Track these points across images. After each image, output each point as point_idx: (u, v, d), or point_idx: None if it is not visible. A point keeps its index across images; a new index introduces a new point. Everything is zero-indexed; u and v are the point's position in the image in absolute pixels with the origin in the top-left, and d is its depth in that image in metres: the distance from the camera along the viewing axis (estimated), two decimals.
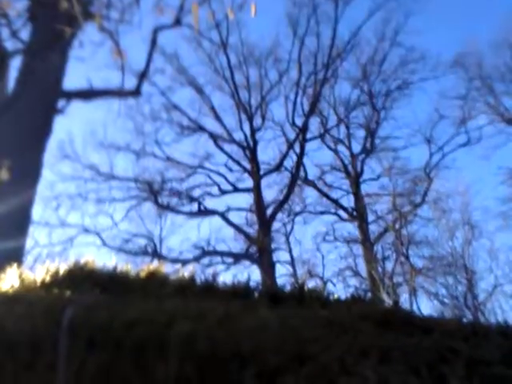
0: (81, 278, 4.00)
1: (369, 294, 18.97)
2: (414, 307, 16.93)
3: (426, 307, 17.60)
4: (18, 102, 7.59)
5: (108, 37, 10.98)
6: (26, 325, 2.69)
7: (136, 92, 10.63)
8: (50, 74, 7.78)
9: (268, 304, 3.66)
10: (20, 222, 6.95)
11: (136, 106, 19.82)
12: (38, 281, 3.86)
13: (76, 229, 19.22)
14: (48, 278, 3.91)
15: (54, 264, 4.20)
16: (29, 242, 7.67)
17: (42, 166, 7.64)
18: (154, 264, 5.03)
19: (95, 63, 11.98)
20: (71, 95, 9.52)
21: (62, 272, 4.12)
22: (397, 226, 20.24)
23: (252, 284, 4.60)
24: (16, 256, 6.42)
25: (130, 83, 11.11)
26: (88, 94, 9.72)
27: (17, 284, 3.74)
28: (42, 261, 18.96)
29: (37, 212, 16.16)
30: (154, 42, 10.38)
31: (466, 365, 2.58)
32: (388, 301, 16.73)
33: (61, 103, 9.20)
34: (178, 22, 10.12)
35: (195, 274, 4.73)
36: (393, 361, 2.58)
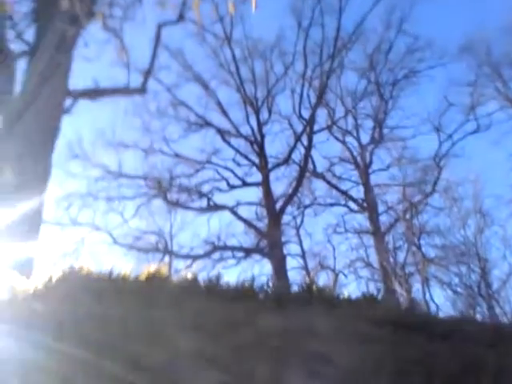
0: (74, 284, 3.95)
1: (381, 291, 18.92)
2: (427, 297, 16.86)
3: (439, 297, 17.48)
4: (27, 103, 7.63)
5: (112, 35, 11.01)
6: None
7: (142, 89, 10.65)
8: (57, 75, 7.80)
9: (273, 307, 3.58)
10: (32, 226, 7.00)
11: (142, 104, 19.85)
12: (29, 289, 3.79)
13: (87, 227, 19.39)
14: (40, 286, 3.84)
15: (51, 269, 4.16)
16: (40, 243, 7.68)
17: (52, 167, 7.69)
18: (157, 264, 4.93)
19: (101, 62, 11.99)
20: (78, 95, 9.56)
21: (55, 279, 4.05)
22: (407, 216, 20.10)
23: (261, 280, 4.51)
24: (29, 261, 6.49)
25: (136, 81, 11.16)
26: (94, 93, 9.75)
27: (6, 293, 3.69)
28: (53, 261, 19.21)
29: (48, 212, 16.31)
30: (158, 39, 10.36)
31: (493, 376, 2.24)
32: (400, 291, 16.67)
33: (68, 103, 9.25)
34: (181, 17, 10.08)
35: (198, 275, 4.66)
36: (410, 373, 2.38)
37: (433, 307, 16.52)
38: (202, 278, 4.80)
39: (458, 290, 16.29)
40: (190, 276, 4.70)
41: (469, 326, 3.26)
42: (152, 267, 4.76)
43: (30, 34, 8.66)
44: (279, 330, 3.02)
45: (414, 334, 2.85)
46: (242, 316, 3.21)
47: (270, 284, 5.00)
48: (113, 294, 3.72)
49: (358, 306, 4.02)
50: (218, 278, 4.53)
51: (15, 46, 8.60)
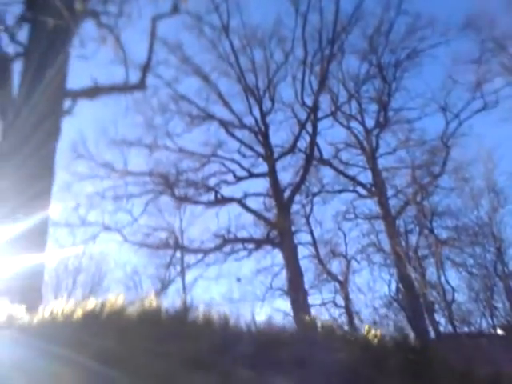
0: None
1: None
2: (442, 280, 16.65)
3: (454, 279, 17.27)
4: (24, 105, 7.52)
5: (108, 32, 10.83)
6: None
7: (141, 85, 10.50)
8: (53, 75, 7.66)
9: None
10: (39, 239, 6.92)
11: (143, 100, 19.67)
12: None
13: (97, 227, 19.38)
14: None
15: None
16: (48, 255, 7.62)
17: (55, 168, 7.59)
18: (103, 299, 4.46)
19: (98, 60, 11.83)
20: (77, 94, 9.43)
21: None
22: (418, 199, 19.84)
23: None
24: (37, 273, 6.42)
25: (135, 77, 11.00)
26: (93, 92, 9.62)
27: None
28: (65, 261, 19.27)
29: (56, 213, 16.28)
30: (153, 33, 10.20)
31: None
32: (415, 275, 16.48)
33: (67, 104, 9.13)
34: (175, 9, 9.88)
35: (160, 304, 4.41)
36: None
37: (449, 290, 16.34)
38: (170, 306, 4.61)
39: (474, 271, 16.05)
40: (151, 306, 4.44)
41: None
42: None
43: (23, 36, 8.53)
44: None
45: None
46: None
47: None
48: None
49: None
50: (186, 309, 4.38)
51: (10, 50, 8.48)
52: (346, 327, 20.07)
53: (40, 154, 7.30)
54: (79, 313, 4.05)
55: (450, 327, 15.43)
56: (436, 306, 16.89)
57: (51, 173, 7.51)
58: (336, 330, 5.15)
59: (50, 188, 7.47)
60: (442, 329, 16.37)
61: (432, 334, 16.69)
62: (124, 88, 10.08)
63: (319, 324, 5.08)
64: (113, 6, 10.92)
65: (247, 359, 3.57)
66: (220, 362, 3.41)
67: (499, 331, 14.91)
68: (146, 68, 10.23)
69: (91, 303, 4.27)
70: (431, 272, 18.07)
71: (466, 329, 15.22)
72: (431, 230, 18.53)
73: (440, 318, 16.73)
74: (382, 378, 3.71)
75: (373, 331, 5.06)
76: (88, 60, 10.17)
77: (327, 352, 4.05)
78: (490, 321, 14.68)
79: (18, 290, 5.82)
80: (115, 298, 4.38)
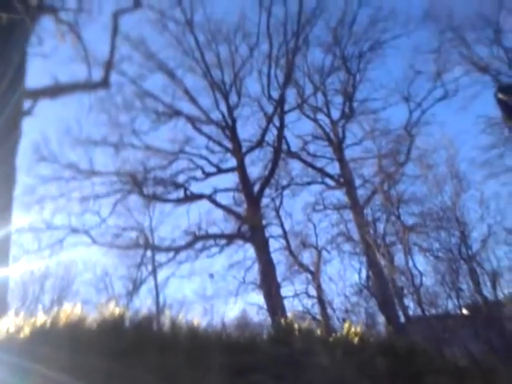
0: None
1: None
2: (410, 265, 17.13)
3: (422, 263, 17.79)
4: None
5: (68, 29, 10.54)
6: None
7: (104, 83, 10.28)
8: (11, 74, 7.40)
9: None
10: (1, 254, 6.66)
11: (108, 98, 19.28)
12: None
13: (64, 230, 18.92)
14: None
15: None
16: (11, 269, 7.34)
17: (16, 173, 7.34)
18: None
19: (59, 58, 11.50)
20: (37, 94, 9.15)
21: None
22: (385, 187, 20.30)
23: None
24: (1, 285, 6.21)
25: (98, 75, 10.74)
26: (54, 91, 9.36)
27: None
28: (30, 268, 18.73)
29: (20, 218, 15.80)
30: (115, 28, 9.98)
31: None
32: (384, 262, 16.90)
33: (27, 104, 8.84)
34: (137, 3, 9.71)
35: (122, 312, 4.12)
36: None
37: (416, 274, 16.83)
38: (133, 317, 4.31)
39: (440, 255, 16.61)
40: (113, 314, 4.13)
41: None
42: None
43: None
44: None
45: None
46: None
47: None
48: None
49: None
50: (151, 317, 4.15)
51: None
52: (319, 317, 20.45)
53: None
54: (27, 329, 3.72)
55: (418, 311, 15.92)
56: (405, 291, 17.40)
57: (12, 179, 7.20)
58: (314, 332, 5.05)
59: (11, 196, 7.15)
60: (411, 313, 16.88)
61: (402, 319, 17.19)
62: (86, 86, 9.85)
63: (296, 327, 4.92)
64: (72, 2, 10.63)
65: (217, 370, 3.45)
66: (186, 376, 3.28)
67: (464, 311, 15.51)
68: (108, 65, 10.02)
69: (41, 317, 3.92)
70: (399, 258, 18.58)
71: (433, 311, 15.76)
72: (398, 217, 19.01)
73: (409, 303, 17.25)
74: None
75: (352, 329, 5.02)
76: (48, 58, 9.88)
77: (307, 359, 3.93)
78: (456, 302, 15.23)
79: None
80: (72, 307, 4.06)
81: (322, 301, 20.63)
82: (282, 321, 4.86)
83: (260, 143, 21.11)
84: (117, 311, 4.18)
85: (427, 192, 18.09)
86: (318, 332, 4.95)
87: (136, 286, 20.46)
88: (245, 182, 20.30)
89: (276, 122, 20.97)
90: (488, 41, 19.63)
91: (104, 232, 19.70)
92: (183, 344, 3.81)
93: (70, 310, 4.00)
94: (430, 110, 21.78)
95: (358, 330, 4.94)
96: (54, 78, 9.65)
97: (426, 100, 21.80)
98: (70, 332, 3.69)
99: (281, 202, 22.80)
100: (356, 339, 4.76)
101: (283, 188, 22.86)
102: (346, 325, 5.08)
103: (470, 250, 15.44)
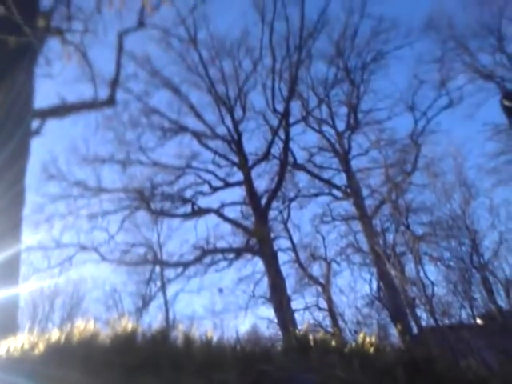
0: None
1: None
2: (421, 275, 16.91)
3: (433, 273, 17.57)
4: None
5: (74, 49, 10.72)
6: None
7: (110, 101, 10.40)
8: (18, 95, 7.51)
9: None
10: (11, 272, 6.69)
11: (114, 116, 19.51)
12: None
13: (73, 248, 19.00)
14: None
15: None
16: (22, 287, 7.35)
17: (25, 191, 7.40)
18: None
19: (66, 78, 11.68)
20: (45, 114, 9.26)
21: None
22: (392, 197, 20.19)
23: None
24: (12, 304, 6.22)
25: (105, 94, 10.88)
26: (62, 111, 9.48)
27: None
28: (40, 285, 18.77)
29: (29, 236, 15.90)
30: (120, 48, 10.13)
31: None
32: (394, 272, 16.71)
33: (36, 123, 8.96)
34: (141, 23, 9.86)
35: (135, 327, 4.09)
36: None
37: (428, 284, 16.61)
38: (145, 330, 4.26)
39: (451, 264, 16.39)
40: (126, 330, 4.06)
41: None
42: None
43: None
44: None
45: None
46: None
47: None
48: None
49: None
50: (164, 331, 4.05)
51: None
52: (330, 329, 20.20)
53: (8, 178, 7.12)
54: (41, 345, 3.69)
55: (431, 321, 15.68)
56: (417, 301, 17.16)
57: (22, 198, 7.27)
58: (329, 342, 4.97)
59: (21, 215, 7.21)
60: (423, 323, 16.63)
61: (414, 329, 16.92)
62: (93, 105, 9.97)
63: (311, 338, 4.86)
64: (77, 23, 10.83)
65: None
66: None
67: (478, 321, 15.25)
68: (114, 83, 10.15)
69: (54, 334, 3.90)
70: (410, 268, 18.35)
71: (447, 321, 15.50)
72: (407, 227, 18.84)
73: (421, 313, 16.99)
74: None
75: (367, 339, 4.94)
76: (55, 78, 10.03)
77: (323, 372, 3.85)
78: (470, 311, 14.98)
79: None
80: (85, 323, 4.03)
81: (333, 313, 20.40)
82: (297, 332, 4.83)
83: (266, 156, 21.18)
84: (129, 327, 4.16)
85: (436, 201, 17.93)
86: (333, 343, 4.88)
87: (145, 302, 20.44)
88: (252, 196, 20.30)
89: (281, 134, 21.08)
90: (491, 48, 19.72)
91: (113, 249, 19.80)
92: (198, 358, 3.78)
93: (83, 327, 4.00)
94: (435, 118, 21.83)
95: (373, 340, 4.88)
96: (62, 98, 9.78)
97: (431, 109, 21.87)
98: (84, 348, 3.68)
99: (288, 215, 22.76)
100: (372, 349, 4.70)
101: (290, 200, 22.83)
102: (361, 335, 5.01)
103: (482, 258, 15.21)
